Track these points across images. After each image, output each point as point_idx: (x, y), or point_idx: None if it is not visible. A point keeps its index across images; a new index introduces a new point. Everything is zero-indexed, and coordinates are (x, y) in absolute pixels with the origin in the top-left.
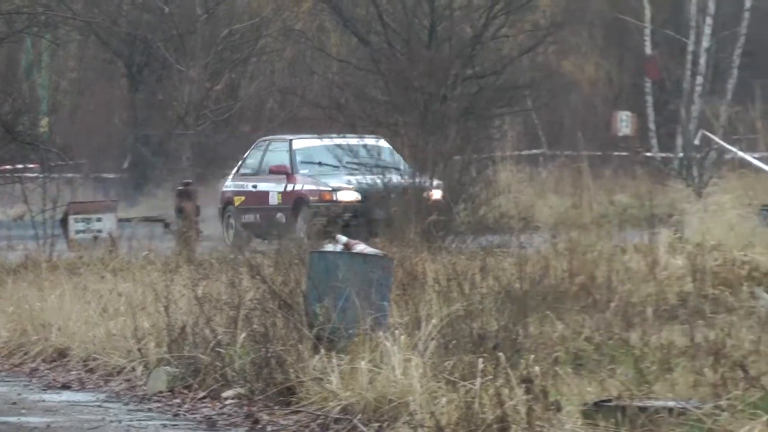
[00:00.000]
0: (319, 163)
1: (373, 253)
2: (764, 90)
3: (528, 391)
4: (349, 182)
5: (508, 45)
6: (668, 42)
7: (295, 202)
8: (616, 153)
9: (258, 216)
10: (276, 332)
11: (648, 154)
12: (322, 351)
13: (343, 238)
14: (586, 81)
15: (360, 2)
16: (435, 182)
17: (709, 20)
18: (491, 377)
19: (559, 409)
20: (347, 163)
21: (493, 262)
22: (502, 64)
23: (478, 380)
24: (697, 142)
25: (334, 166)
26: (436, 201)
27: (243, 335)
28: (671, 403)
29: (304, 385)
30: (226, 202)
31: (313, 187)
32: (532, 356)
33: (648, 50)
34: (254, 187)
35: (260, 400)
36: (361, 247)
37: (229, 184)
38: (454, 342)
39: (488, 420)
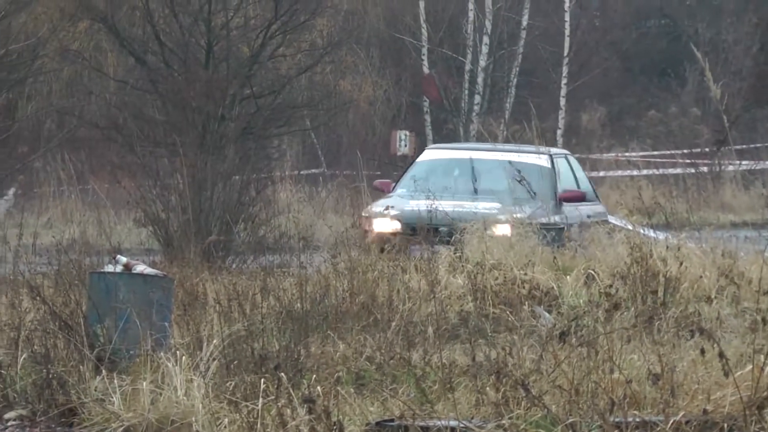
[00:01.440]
0: None
1: (153, 273)
2: (540, 109)
3: (310, 411)
4: None
5: (286, 65)
6: (446, 61)
7: None
8: (396, 173)
9: None
10: (57, 353)
11: None
12: (104, 372)
13: (123, 259)
14: (364, 100)
15: (137, 22)
16: None
17: (486, 39)
18: (273, 397)
19: (341, 430)
20: None
21: (273, 282)
22: (279, 84)
23: (260, 400)
24: None
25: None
26: None
27: (24, 356)
28: (453, 423)
29: (86, 406)
30: None
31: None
32: (314, 376)
33: (426, 69)
34: None
35: (43, 421)
36: (141, 267)
37: None
38: (235, 362)
39: None
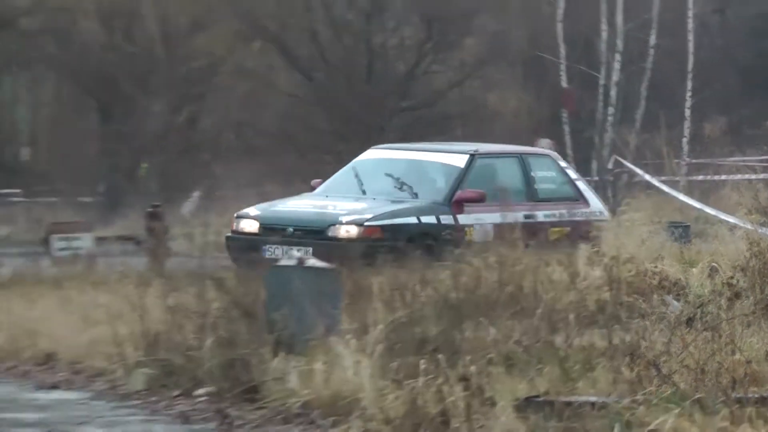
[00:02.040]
0: None
1: (323, 266)
2: (668, 119)
3: (466, 389)
4: None
5: (438, 80)
6: (582, 77)
7: None
8: None
9: None
10: (239, 338)
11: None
12: (282, 354)
13: (296, 253)
14: (509, 113)
15: (304, 43)
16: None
17: (618, 57)
18: (432, 376)
19: (493, 404)
20: None
21: (431, 275)
22: (433, 98)
23: (421, 379)
24: (610, 166)
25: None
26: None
27: (210, 340)
28: (593, 399)
29: (266, 385)
30: None
31: None
32: (469, 357)
33: (564, 84)
34: None
35: (228, 397)
36: (312, 261)
37: None
38: (398, 345)
39: (431, 414)
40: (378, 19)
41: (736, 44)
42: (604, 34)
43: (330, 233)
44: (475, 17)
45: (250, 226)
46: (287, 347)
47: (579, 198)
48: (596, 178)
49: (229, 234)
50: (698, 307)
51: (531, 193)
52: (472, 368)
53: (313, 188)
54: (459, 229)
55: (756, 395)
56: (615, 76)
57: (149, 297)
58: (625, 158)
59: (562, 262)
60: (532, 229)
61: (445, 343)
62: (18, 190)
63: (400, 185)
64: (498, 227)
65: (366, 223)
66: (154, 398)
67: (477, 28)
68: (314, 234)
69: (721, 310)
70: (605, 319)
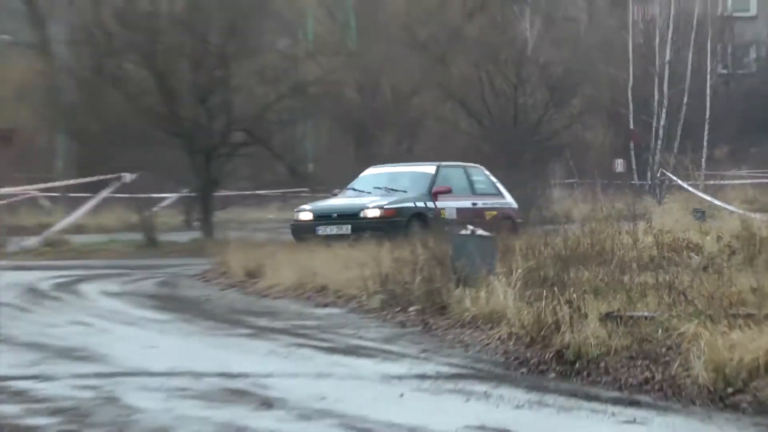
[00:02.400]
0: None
1: (486, 235)
2: (693, 147)
3: (570, 307)
4: None
5: (556, 123)
6: (642, 122)
7: None
8: (615, 181)
9: None
10: (435, 276)
11: (632, 182)
12: (460, 286)
13: (471, 227)
14: (598, 144)
15: (477, 101)
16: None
17: (664, 110)
18: (550, 300)
19: (586, 317)
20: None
21: (550, 239)
22: (553, 135)
23: (543, 302)
24: (658, 176)
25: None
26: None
27: (418, 278)
28: (646, 314)
29: (451, 305)
30: None
31: None
32: (572, 289)
33: (631, 126)
34: None
35: (428, 312)
36: (479, 231)
37: None
38: (529, 282)
39: (549, 323)
40: (522, 89)
41: (735, 101)
42: (656, 96)
43: (362, 215)
44: (580, 86)
45: (306, 216)
46: (464, 282)
47: (498, 193)
48: (650, 183)
49: (293, 222)
50: (710, 260)
51: (472, 190)
52: (574, 295)
53: (335, 194)
54: (437, 210)
55: (744, 312)
56: (662, 122)
57: (382, 252)
58: (667, 171)
59: (629, 233)
60: (476, 212)
61: (557, 280)
62: (306, 189)
63: (394, 186)
64: (458, 210)
65: (385, 206)
66: (384, 313)
67: (580, 92)
68: (351, 216)
69: (723, 261)
70: (654, 266)
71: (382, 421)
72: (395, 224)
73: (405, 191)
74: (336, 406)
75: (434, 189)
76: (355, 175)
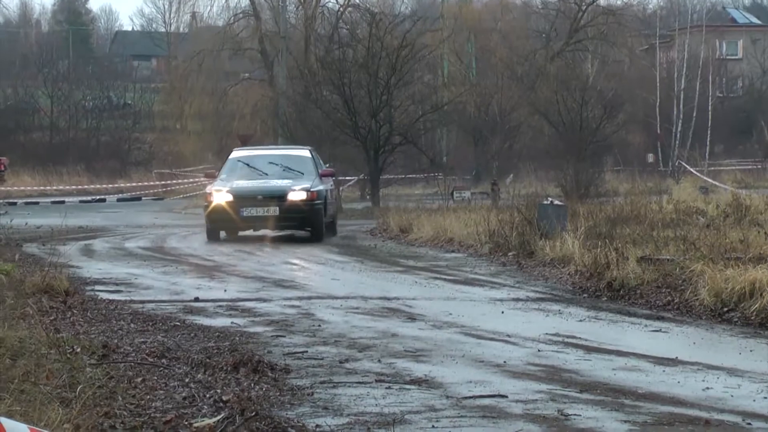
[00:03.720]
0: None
1: (559, 203)
2: (699, 145)
3: (616, 253)
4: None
5: (607, 129)
6: (665, 128)
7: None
8: (647, 168)
9: None
10: (526, 231)
11: (659, 168)
12: (543, 239)
13: (550, 198)
14: (635, 143)
15: (556, 115)
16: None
17: (680, 121)
18: (603, 247)
19: (626, 258)
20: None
21: (603, 207)
22: (604, 137)
23: (598, 249)
24: (676, 164)
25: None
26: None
27: (515, 233)
28: (668, 257)
29: (536, 251)
30: None
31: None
32: (618, 240)
33: (658, 131)
34: None
35: (521, 256)
36: (556, 201)
37: None
38: (589, 235)
39: (603, 263)
40: (584, 107)
41: (727, 115)
42: (675, 111)
43: (289, 197)
44: (623, 105)
45: (225, 197)
46: (545, 236)
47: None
48: (671, 169)
49: (208, 206)
50: (711, 221)
51: (334, 171)
52: (619, 245)
53: (210, 176)
54: (330, 189)
55: (734, 256)
56: (678, 128)
57: (491, 215)
58: (682, 161)
59: (656, 202)
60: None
61: (608, 234)
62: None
63: (284, 168)
64: (332, 188)
65: (311, 189)
66: (491, 256)
67: (623, 109)
68: (278, 198)
69: (720, 222)
70: (673, 225)
71: (489, 329)
72: (317, 208)
73: (302, 173)
74: (458, 319)
75: (322, 171)
76: (475, 165)
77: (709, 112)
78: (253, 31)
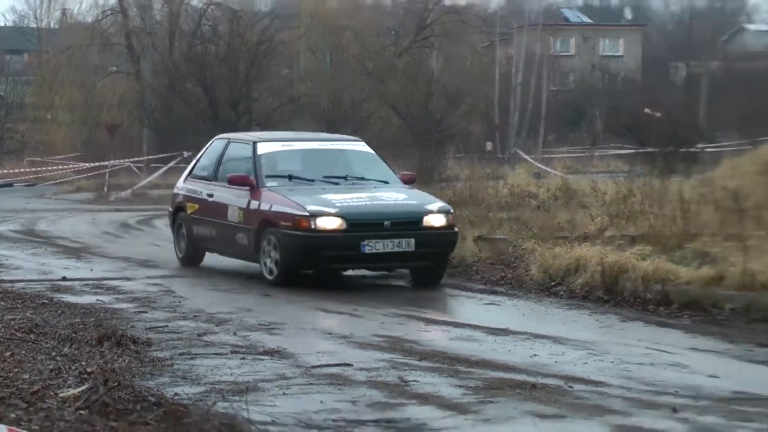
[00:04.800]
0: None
1: None
2: (533, 134)
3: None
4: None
5: (453, 119)
6: (503, 119)
7: (261, 224)
8: (486, 156)
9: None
10: None
11: (497, 156)
12: None
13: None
14: (477, 132)
15: (402, 106)
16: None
17: (517, 111)
18: None
19: (465, 238)
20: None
21: (444, 191)
22: (450, 125)
23: None
24: (512, 152)
25: (309, 181)
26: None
27: None
28: (502, 236)
29: None
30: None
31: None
32: (456, 221)
33: (497, 122)
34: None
35: None
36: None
37: (181, 188)
38: None
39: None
40: (430, 99)
41: (560, 107)
42: (512, 104)
43: (424, 222)
44: (465, 98)
45: (334, 223)
46: None
47: None
48: (507, 156)
49: (301, 234)
50: (542, 203)
51: None
52: (458, 225)
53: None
54: None
55: (562, 235)
56: (515, 119)
57: None
58: (518, 149)
59: (493, 186)
60: None
61: None
62: None
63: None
64: None
65: (449, 211)
66: None
67: (465, 101)
68: (411, 225)
69: (550, 204)
70: (507, 207)
71: (339, 304)
72: (455, 238)
73: (386, 181)
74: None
75: (403, 176)
76: None
77: (543, 105)
78: (121, 27)
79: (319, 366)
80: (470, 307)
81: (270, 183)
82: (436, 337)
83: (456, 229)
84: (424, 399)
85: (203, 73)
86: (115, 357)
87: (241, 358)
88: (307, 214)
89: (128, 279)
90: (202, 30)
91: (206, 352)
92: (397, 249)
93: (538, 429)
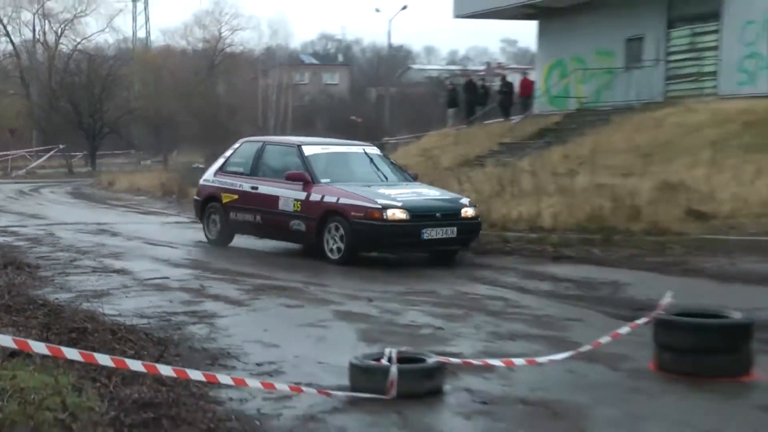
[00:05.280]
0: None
1: (202, 166)
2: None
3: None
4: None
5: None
6: (263, 127)
7: (325, 214)
8: None
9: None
10: (183, 182)
11: None
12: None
13: (196, 163)
14: (249, 132)
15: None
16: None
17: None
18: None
19: None
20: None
21: None
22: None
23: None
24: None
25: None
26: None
27: (176, 184)
28: None
29: (188, 193)
30: (208, 197)
31: (355, 202)
32: None
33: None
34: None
35: (179, 197)
36: (201, 165)
37: (212, 180)
38: None
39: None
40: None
41: (295, 119)
42: (273, 117)
43: (462, 213)
44: (242, 113)
45: (400, 214)
46: (194, 185)
47: None
48: None
49: (372, 222)
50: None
51: None
52: None
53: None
54: None
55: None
56: (272, 123)
57: (163, 175)
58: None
59: None
60: None
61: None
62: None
63: (379, 173)
64: None
65: (475, 204)
66: (164, 198)
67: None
68: (452, 215)
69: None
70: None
71: (160, 239)
72: (479, 226)
73: (412, 179)
74: (143, 234)
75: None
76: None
77: (290, 115)
78: (16, 66)
79: (149, 279)
80: (238, 241)
81: (324, 179)
82: (222, 256)
83: (480, 219)
84: (216, 297)
85: (71, 95)
86: (15, 276)
87: (98, 275)
88: (380, 206)
89: (24, 226)
90: (70, 67)
91: (75, 272)
92: (444, 236)
93: (286, 313)
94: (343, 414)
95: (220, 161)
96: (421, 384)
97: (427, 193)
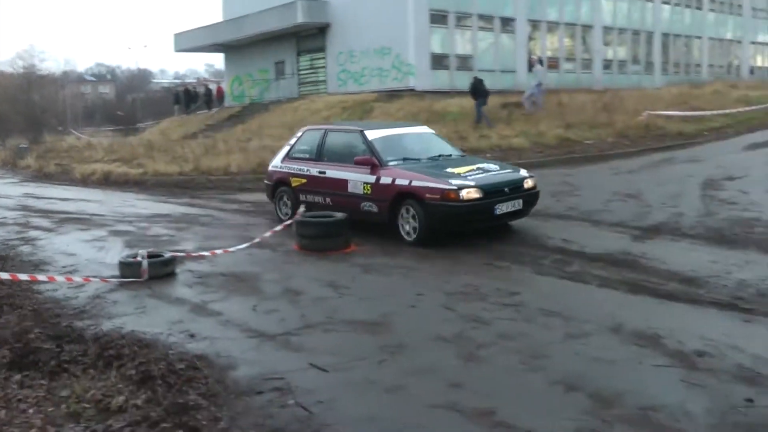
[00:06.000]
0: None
1: (25, 147)
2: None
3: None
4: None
5: None
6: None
7: (397, 196)
8: None
9: (327, 199)
10: (15, 156)
11: None
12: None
13: (22, 145)
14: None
15: None
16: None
17: None
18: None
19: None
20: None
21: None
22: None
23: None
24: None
25: (415, 159)
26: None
27: (12, 156)
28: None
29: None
30: (278, 181)
31: (429, 184)
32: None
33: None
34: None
35: (13, 164)
36: (24, 145)
37: (281, 166)
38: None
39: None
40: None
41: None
42: None
43: (524, 186)
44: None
45: (475, 193)
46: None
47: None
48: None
49: (450, 203)
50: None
51: None
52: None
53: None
54: None
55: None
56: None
57: (6, 152)
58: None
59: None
60: None
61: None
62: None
63: (439, 153)
64: None
65: (533, 175)
66: (3, 166)
67: None
68: (517, 189)
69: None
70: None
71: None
72: (538, 194)
73: (451, 155)
74: None
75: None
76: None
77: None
78: None
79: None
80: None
81: (392, 162)
82: (50, 198)
83: (538, 189)
84: (36, 227)
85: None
86: None
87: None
88: (455, 187)
89: None
90: None
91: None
92: (513, 209)
93: (86, 234)
94: (117, 292)
95: (286, 148)
96: (162, 269)
97: (492, 168)
